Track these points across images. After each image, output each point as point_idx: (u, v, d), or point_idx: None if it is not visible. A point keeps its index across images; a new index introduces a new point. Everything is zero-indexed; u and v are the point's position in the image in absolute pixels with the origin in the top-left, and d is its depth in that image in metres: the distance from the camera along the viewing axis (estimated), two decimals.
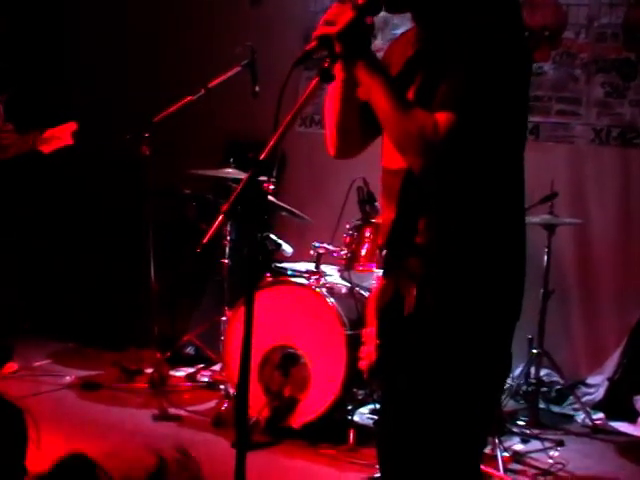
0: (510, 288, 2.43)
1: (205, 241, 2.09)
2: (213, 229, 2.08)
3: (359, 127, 2.57)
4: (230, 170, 5.41)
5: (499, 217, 2.41)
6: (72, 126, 5.41)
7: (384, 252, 2.53)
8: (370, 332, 2.51)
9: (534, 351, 5.44)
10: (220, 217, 2.08)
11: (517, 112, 2.40)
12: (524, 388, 5.61)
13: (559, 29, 6.14)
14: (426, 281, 2.38)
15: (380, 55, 2.60)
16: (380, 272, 2.57)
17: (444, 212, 2.38)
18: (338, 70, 2.38)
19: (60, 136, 5.38)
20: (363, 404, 4.91)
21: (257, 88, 5.41)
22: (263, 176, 2.17)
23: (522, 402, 5.58)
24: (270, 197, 5.25)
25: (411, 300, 2.40)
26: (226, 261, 5.42)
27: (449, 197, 2.36)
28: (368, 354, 2.48)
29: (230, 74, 5.38)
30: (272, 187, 5.23)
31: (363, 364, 2.49)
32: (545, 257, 5.40)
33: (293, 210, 5.41)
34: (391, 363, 2.50)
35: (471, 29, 2.30)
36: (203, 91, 5.37)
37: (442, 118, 2.24)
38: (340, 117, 2.55)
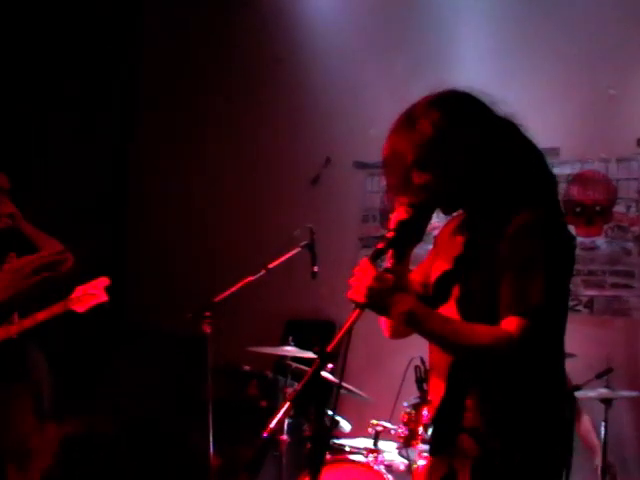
0: (555, 467, 2.49)
1: (273, 426, 2.19)
2: (281, 416, 2.18)
3: None
4: (289, 348, 5.48)
5: (543, 393, 2.48)
6: (104, 281, 5.01)
7: (431, 429, 2.62)
8: None
9: None
10: (287, 405, 2.18)
11: (567, 297, 2.51)
12: None
13: (610, 204, 6.26)
14: (480, 461, 2.44)
15: (435, 233, 2.75)
16: (426, 447, 2.65)
17: (491, 390, 2.45)
18: None
19: (93, 293, 4.95)
20: None
21: (316, 268, 5.54)
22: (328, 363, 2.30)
23: None
24: (329, 376, 5.32)
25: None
26: (285, 437, 5.46)
27: (499, 377, 2.45)
28: None
29: (290, 255, 5.49)
30: (331, 366, 5.31)
31: None
32: (603, 430, 5.37)
33: (351, 388, 5.46)
34: None
35: (518, 226, 2.42)
36: (264, 271, 5.44)
37: (513, 326, 2.32)
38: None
